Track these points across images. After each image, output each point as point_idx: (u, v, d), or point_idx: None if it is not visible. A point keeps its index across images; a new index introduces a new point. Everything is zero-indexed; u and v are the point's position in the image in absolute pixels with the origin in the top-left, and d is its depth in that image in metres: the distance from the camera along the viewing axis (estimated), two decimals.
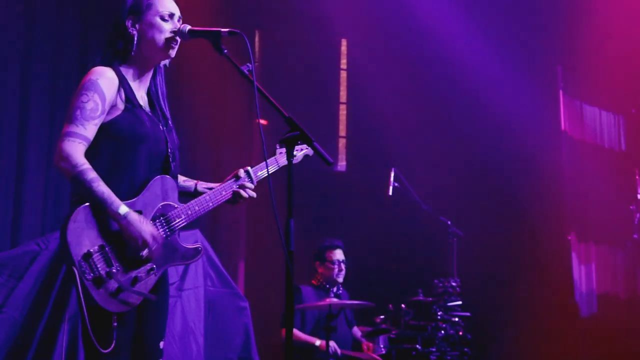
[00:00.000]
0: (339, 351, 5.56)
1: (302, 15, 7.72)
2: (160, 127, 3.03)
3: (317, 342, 5.62)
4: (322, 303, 5.51)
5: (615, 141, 8.09)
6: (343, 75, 8.59)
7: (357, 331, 6.21)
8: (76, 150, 2.76)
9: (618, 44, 7.34)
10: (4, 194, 5.27)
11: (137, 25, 3.00)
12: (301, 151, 3.43)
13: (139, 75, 3.03)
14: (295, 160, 2.97)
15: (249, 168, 3.25)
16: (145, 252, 2.81)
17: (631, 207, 7.90)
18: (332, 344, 5.51)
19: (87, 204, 2.74)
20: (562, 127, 7.74)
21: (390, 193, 6.55)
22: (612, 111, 8.07)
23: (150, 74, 3.08)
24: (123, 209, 2.75)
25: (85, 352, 2.83)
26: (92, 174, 2.74)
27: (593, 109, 8.01)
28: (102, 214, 2.75)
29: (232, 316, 5.29)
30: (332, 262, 6.04)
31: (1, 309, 4.25)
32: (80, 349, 4.10)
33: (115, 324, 2.76)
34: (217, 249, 5.82)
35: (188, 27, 3.03)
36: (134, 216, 2.78)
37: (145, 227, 2.80)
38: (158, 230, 2.88)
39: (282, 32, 7.89)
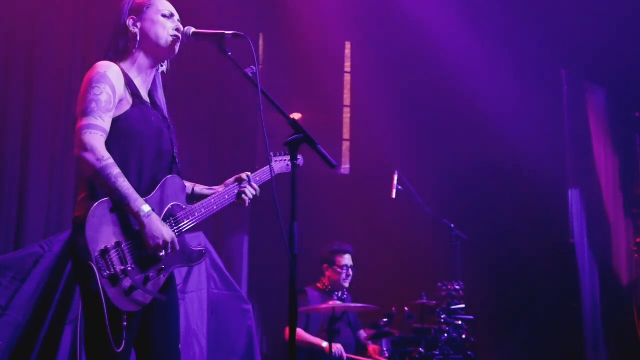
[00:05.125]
0: (344, 355, 5.54)
1: (306, 18, 7.71)
2: (165, 127, 3.04)
3: (325, 344, 5.61)
4: (325, 306, 5.50)
5: (620, 144, 8.07)
6: (347, 78, 8.58)
7: (362, 334, 6.21)
8: (100, 142, 2.74)
9: (621, 46, 7.32)
10: (7, 197, 5.27)
11: (138, 24, 3.01)
12: (282, 162, 3.46)
13: (141, 75, 3.03)
14: (274, 173, 3.00)
15: (249, 173, 3.27)
16: (163, 253, 2.81)
17: (634, 211, 7.90)
18: (338, 347, 5.50)
19: (105, 199, 2.72)
20: (567, 130, 7.73)
21: (394, 196, 6.54)
22: (616, 114, 8.05)
23: (152, 74, 3.08)
24: (146, 207, 2.75)
25: (87, 354, 2.81)
26: (117, 169, 2.72)
27: (598, 112, 7.99)
28: (121, 210, 2.74)
29: (235, 319, 5.29)
30: (341, 267, 6.03)
31: (4, 311, 4.26)
32: (83, 352, 4.10)
33: (126, 323, 2.74)
34: (221, 252, 5.83)
35: (192, 29, 3.05)
36: (155, 216, 2.78)
37: (166, 229, 2.80)
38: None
39: (286, 35, 7.89)
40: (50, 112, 5.52)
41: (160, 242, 2.77)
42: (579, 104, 7.86)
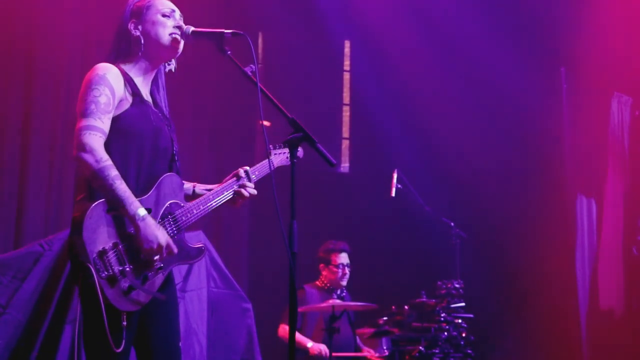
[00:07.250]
0: (327, 354, 5.50)
1: (305, 17, 7.72)
2: (166, 125, 3.04)
3: (309, 344, 5.60)
4: (324, 305, 5.49)
5: (620, 144, 8.06)
6: (346, 76, 8.59)
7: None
8: (99, 143, 2.74)
9: (622, 45, 7.32)
10: (7, 196, 5.28)
11: (139, 27, 3.01)
12: (282, 154, 3.46)
13: (142, 75, 3.02)
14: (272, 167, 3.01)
15: (247, 168, 3.27)
16: (157, 257, 2.81)
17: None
18: (321, 347, 5.50)
19: (101, 200, 2.72)
20: (566, 129, 7.72)
21: (393, 194, 6.55)
22: (616, 113, 8.04)
23: (153, 74, 3.08)
24: (142, 211, 2.74)
25: (87, 355, 2.80)
26: (115, 171, 2.72)
27: (597, 111, 7.97)
28: (117, 212, 2.74)
29: (235, 317, 5.29)
30: (337, 266, 6.00)
31: (4, 310, 4.26)
32: (82, 353, 4.10)
33: (125, 323, 2.74)
34: (221, 251, 5.82)
35: (192, 28, 3.04)
36: (151, 220, 2.77)
37: (161, 233, 2.79)
38: (168, 230, 2.88)
39: (285, 34, 7.89)
40: (49, 112, 5.53)
41: (155, 246, 2.76)
42: (578, 101, 7.84)
